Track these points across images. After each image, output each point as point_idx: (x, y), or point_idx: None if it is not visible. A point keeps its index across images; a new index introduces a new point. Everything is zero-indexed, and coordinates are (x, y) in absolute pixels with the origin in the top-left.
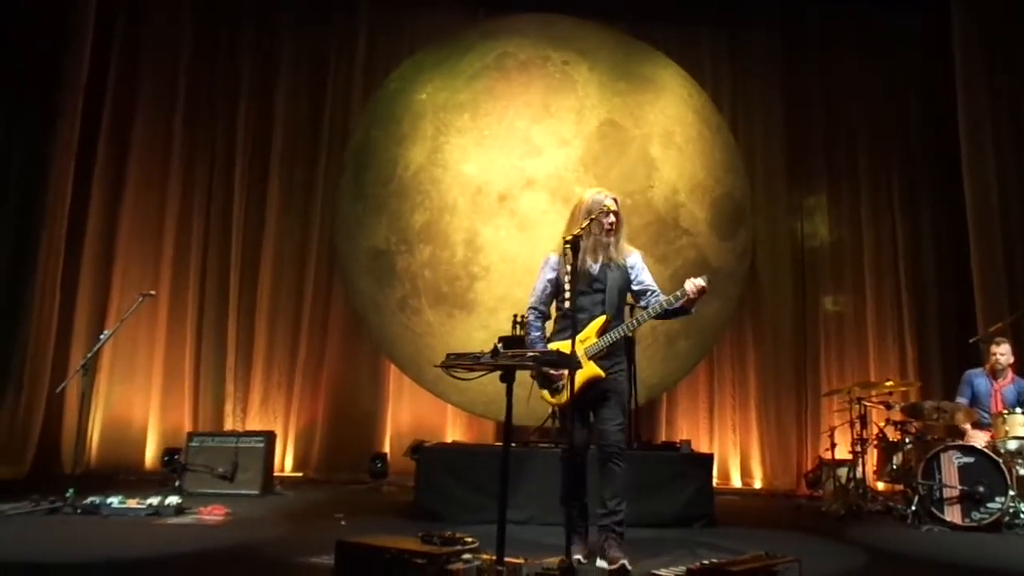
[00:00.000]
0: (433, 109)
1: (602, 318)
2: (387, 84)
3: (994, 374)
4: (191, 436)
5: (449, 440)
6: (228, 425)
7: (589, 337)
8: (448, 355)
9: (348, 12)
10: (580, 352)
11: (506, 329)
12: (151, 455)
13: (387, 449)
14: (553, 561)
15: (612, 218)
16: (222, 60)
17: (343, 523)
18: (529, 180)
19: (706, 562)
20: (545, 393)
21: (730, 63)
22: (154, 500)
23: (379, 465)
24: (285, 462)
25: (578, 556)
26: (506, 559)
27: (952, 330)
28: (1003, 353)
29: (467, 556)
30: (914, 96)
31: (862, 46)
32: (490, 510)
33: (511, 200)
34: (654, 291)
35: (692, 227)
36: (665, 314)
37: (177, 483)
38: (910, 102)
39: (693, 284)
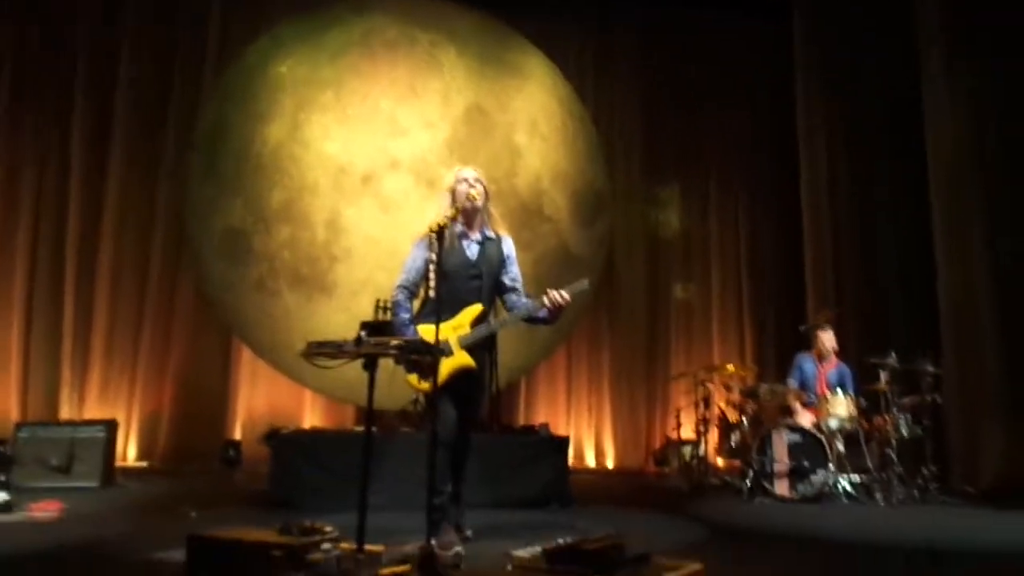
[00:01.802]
0: (293, 84)
1: (478, 307)
2: (244, 57)
3: (820, 358)
4: (19, 426)
5: (307, 426)
6: (64, 414)
7: (463, 325)
8: (310, 343)
9: None
10: (453, 339)
11: (367, 313)
12: None
13: (239, 436)
14: (414, 547)
15: (475, 188)
16: (56, 19)
17: (193, 515)
18: (394, 161)
19: (561, 541)
20: (412, 378)
21: (593, 55)
22: None
23: (231, 453)
24: (128, 452)
25: (458, 548)
26: (366, 547)
27: (786, 318)
28: (827, 340)
29: (326, 546)
30: (760, 96)
31: (715, 46)
32: (348, 498)
33: (375, 181)
34: (519, 290)
35: (554, 215)
36: (528, 320)
37: (2, 478)
38: (757, 101)
39: (555, 296)
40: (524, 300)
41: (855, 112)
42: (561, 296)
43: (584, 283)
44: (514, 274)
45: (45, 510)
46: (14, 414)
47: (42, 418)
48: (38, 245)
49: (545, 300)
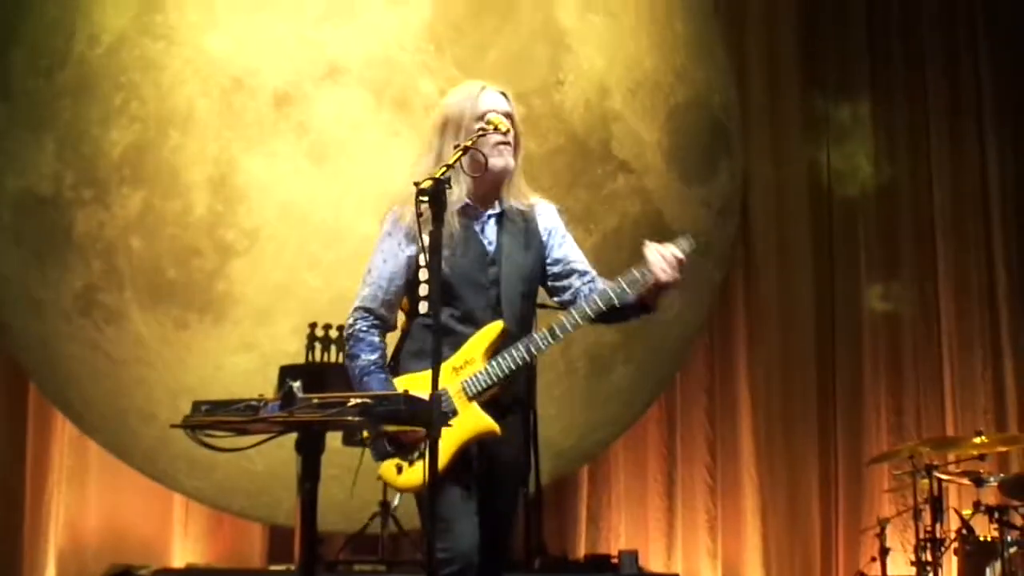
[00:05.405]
0: None
1: (495, 327)
2: None
3: None
4: None
5: (180, 564)
6: None
7: (472, 360)
8: (196, 404)
9: None
10: (455, 388)
11: (293, 352)
12: None
13: None
14: None
15: (502, 132)
16: None
17: None
18: (333, 67)
19: None
20: (387, 468)
21: None
22: None
23: None
24: None
25: None
26: None
27: None
28: None
29: None
30: None
31: None
32: None
33: (299, 103)
34: (583, 271)
35: (635, 158)
36: (609, 315)
37: None
38: None
39: (660, 255)
40: (599, 284)
41: None
42: (670, 253)
43: (683, 243)
44: (570, 254)
45: None
46: None
47: None
48: None
49: (649, 257)
